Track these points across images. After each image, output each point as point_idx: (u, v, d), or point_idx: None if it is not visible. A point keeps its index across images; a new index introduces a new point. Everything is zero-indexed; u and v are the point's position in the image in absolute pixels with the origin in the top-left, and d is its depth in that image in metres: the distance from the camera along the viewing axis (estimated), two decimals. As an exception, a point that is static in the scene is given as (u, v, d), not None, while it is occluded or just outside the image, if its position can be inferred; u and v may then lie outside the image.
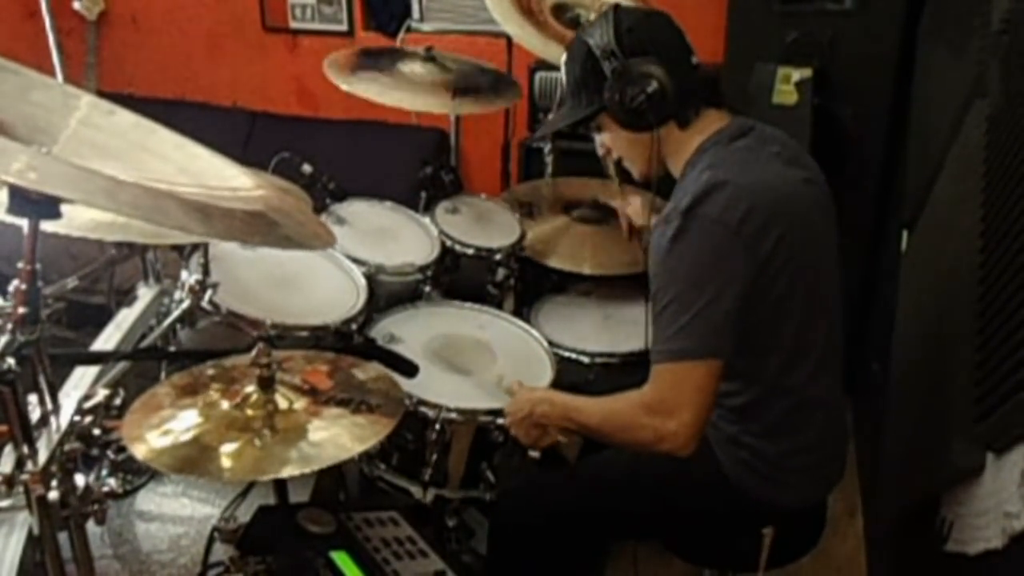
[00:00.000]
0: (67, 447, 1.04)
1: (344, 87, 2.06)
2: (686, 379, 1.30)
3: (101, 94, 1.16)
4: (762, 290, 1.31)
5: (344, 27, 3.47)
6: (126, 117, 1.14)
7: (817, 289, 1.40)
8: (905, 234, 2.15)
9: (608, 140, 1.51)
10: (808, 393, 1.41)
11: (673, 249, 1.30)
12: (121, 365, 1.42)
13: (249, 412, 1.18)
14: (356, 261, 1.85)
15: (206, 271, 1.55)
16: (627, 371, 1.79)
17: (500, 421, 1.57)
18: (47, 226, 0.94)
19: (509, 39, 2.51)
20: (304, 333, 1.61)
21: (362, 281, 1.81)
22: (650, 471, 1.48)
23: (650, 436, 1.32)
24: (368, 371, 1.35)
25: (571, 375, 1.76)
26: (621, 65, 1.38)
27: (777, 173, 1.38)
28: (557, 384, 1.66)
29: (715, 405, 1.33)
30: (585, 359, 1.83)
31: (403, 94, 2.10)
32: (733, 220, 1.28)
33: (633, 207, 2.01)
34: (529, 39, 2.11)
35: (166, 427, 1.14)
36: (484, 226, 2.12)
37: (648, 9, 1.53)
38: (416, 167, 2.25)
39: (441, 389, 1.60)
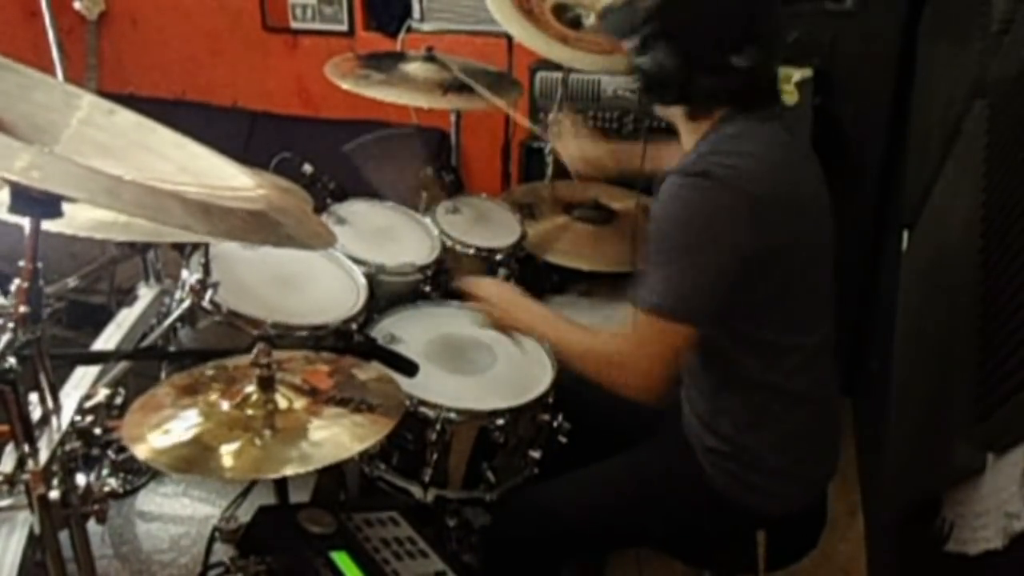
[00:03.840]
0: (68, 446, 1.04)
1: (344, 86, 2.07)
2: (661, 336, 1.32)
3: (102, 94, 1.16)
4: (761, 273, 1.31)
5: (344, 27, 3.47)
6: (127, 116, 1.14)
7: (816, 288, 1.41)
8: (906, 234, 2.15)
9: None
10: (791, 387, 1.41)
11: (687, 199, 1.30)
12: (122, 365, 1.42)
13: (249, 412, 1.18)
14: (356, 261, 1.85)
15: (207, 271, 1.55)
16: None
17: (499, 422, 1.57)
18: (48, 225, 0.94)
19: (510, 39, 2.51)
20: (304, 333, 1.60)
21: (362, 281, 1.81)
22: (641, 488, 1.50)
23: (617, 379, 1.37)
24: (368, 371, 1.35)
25: (571, 375, 1.75)
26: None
27: (800, 166, 1.39)
28: (558, 385, 1.66)
29: (678, 364, 1.37)
30: (585, 359, 1.83)
31: (402, 91, 2.11)
32: (754, 193, 1.28)
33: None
34: (530, 39, 2.11)
35: (166, 427, 1.14)
36: (484, 226, 2.12)
37: None
38: (417, 167, 2.25)
39: (441, 389, 1.59)
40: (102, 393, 1.16)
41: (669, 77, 1.36)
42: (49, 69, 2.25)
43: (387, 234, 2.02)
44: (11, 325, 0.94)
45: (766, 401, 1.40)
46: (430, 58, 2.22)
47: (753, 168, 1.30)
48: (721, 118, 1.39)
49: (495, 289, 1.63)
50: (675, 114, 1.45)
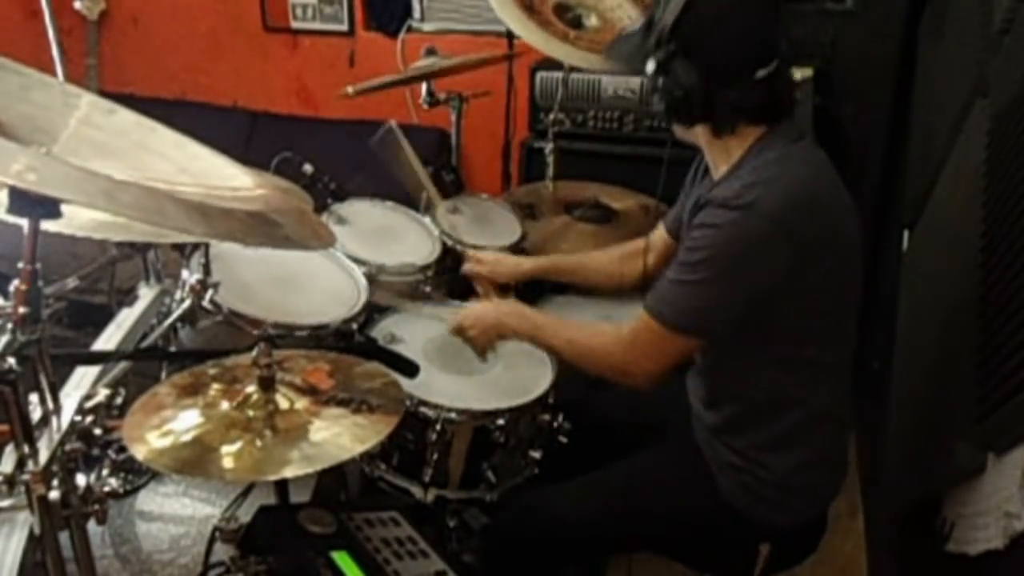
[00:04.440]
0: (68, 447, 1.04)
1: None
2: (669, 344, 1.35)
3: (102, 94, 1.16)
4: (799, 296, 1.31)
5: (345, 27, 3.47)
6: (126, 116, 1.14)
7: (847, 307, 1.40)
8: (906, 234, 2.15)
9: None
10: (818, 406, 1.40)
11: (733, 232, 1.28)
12: (122, 365, 1.42)
13: (250, 412, 1.18)
14: (357, 261, 1.85)
15: (207, 271, 1.55)
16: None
17: (499, 422, 1.57)
18: (47, 226, 0.94)
19: (510, 39, 2.51)
20: (305, 333, 1.60)
21: (363, 281, 1.81)
22: (650, 496, 1.49)
23: (615, 374, 1.43)
24: (369, 371, 1.35)
25: (571, 375, 1.75)
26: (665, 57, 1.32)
27: (835, 184, 1.38)
28: (558, 385, 1.66)
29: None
30: (586, 359, 1.82)
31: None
32: (797, 227, 1.26)
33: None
34: (531, 38, 2.10)
35: (167, 427, 1.14)
36: (485, 226, 2.12)
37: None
38: (417, 167, 2.25)
39: (441, 389, 1.59)
40: (102, 393, 1.16)
41: (693, 95, 1.31)
42: (49, 69, 2.25)
43: (387, 234, 2.02)
44: (11, 326, 0.94)
45: (794, 420, 1.38)
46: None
47: (797, 193, 1.28)
48: (759, 139, 1.35)
49: (477, 311, 1.64)
50: (698, 134, 1.41)
